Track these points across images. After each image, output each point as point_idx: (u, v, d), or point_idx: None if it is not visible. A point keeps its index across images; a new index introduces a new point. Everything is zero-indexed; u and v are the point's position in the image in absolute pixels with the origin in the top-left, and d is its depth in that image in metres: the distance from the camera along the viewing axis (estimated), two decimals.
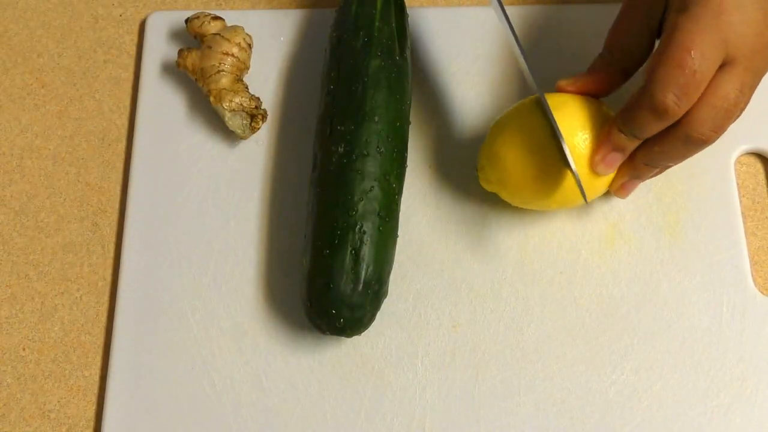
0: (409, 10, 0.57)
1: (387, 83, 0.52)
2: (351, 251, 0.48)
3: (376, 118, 0.51)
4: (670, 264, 0.53)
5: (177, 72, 0.58)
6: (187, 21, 0.57)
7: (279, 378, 0.51)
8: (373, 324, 0.50)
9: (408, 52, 0.55)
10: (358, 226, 0.48)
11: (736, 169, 0.56)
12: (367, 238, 0.48)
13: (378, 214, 0.49)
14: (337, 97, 0.52)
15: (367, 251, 0.48)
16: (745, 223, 0.54)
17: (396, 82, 0.53)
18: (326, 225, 0.49)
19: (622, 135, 0.47)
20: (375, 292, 0.49)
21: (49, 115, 0.59)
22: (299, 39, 0.60)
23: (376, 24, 0.53)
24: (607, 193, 0.53)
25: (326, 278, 0.48)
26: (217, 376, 0.51)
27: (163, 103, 0.58)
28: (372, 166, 0.50)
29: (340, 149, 0.50)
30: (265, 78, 0.59)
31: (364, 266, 0.48)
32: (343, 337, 0.51)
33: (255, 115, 0.55)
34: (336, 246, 0.48)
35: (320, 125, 0.53)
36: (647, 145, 0.47)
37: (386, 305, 0.51)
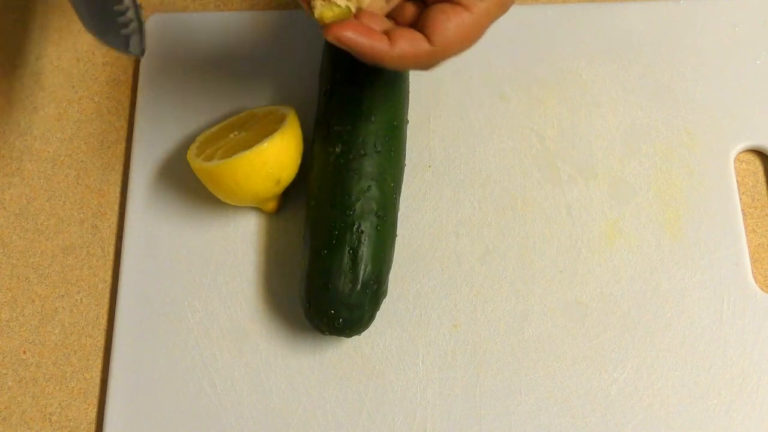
0: None
1: (384, 83, 0.52)
2: (349, 251, 0.48)
3: (373, 118, 0.51)
4: (671, 262, 0.53)
5: (176, 74, 0.58)
6: None
7: (279, 378, 0.51)
8: (373, 324, 0.50)
9: None
10: (355, 226, 0.48)
11: (735, 167, 0.56)
12: (365, 238, 0.48)
13: (376, 214, 0.49)
14: (335, 97, 0.52)
15: (365, 251, 0.48)
16: (744, 220, 0.54)
17: (393, 82, 0.53)
18: (324, 225, 0.49)
19: None
20: (374, 292, 0.49)
21: (48, 118, 0.59)
22: (298, 39, 0.60)
23: None
24: (608, 193, 0.52)
25: (324, 279, 0.48)
26: (218, 377, 0.51)
27: (161, 105, 0.58)
28: (369, 165, 0.50)
29: (338, 149, 0.50)
30: (264, 78, 0.59)
31: (363, 266, 0.48)
32: (343, 337, 0.51)
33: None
34: (334, 246, 0.48)
35: (318, 125, 0.53)
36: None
37: (386, 305, 0.51)
